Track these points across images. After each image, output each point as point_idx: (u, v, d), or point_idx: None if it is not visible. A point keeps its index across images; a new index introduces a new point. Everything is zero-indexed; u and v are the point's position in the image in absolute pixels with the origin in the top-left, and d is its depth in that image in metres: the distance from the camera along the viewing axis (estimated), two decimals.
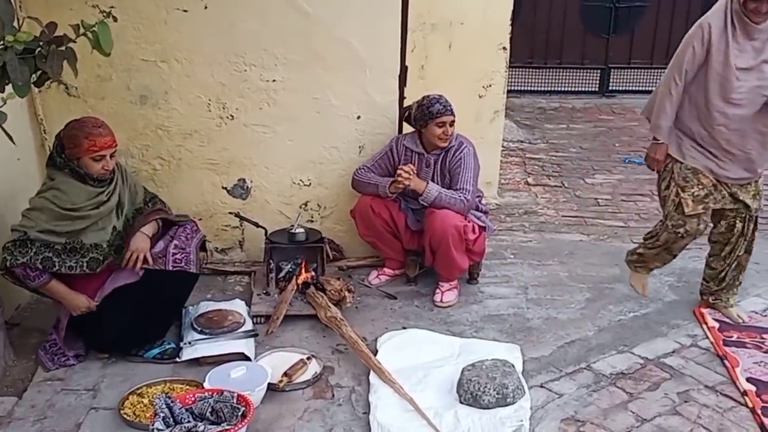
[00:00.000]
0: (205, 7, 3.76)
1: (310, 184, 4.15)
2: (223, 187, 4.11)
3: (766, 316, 3.73)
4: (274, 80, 3.92)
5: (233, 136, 4.01)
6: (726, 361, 3.29)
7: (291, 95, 3.96)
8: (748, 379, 3.14)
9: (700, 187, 3.46)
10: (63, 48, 2.58)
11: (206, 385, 2.94)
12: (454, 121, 3.79)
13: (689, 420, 2.90)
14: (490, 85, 5.16)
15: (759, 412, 2.92)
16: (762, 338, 3.49)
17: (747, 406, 2.98)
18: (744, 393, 3.05)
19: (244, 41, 3.84)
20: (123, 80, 3.86)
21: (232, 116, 3.97)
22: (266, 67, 3.89)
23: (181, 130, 3.98)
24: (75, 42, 2.62)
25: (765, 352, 3.37)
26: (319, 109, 4.00)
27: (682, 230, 3.58)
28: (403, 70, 4.06)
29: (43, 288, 3.09)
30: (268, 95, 3.95)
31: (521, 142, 7.04)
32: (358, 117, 4.05)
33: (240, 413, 2.68)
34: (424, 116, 3.77)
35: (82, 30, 2.60)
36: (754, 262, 4.30)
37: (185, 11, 3.76)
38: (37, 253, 2.97)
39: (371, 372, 3.17)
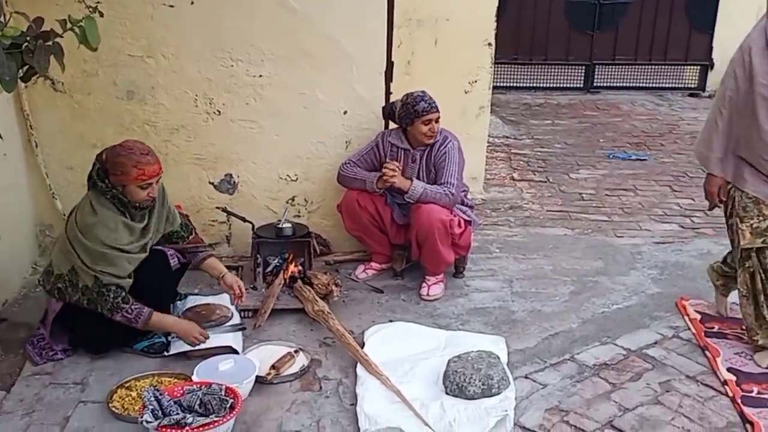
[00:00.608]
0: (192, 3, 3.78)
1: (296, 179, 4.18)
2: (210, 182, 4.13)
3: None
4: (260, 76, 3.94)
5: (220, 132, 4.02)
6: (707, 352, 3.35)
7: (278, 91, 3.98)
8: (729, 369, 3.20)
9: (761, 218, 3.12)
10: (50, 43, 2.58)
11: (194, 378, 2.96)
12: (439, 118, 3.82)
13: (670, 409, 2.95)
14: (475, 81, 5.21)
15: (739, 401, 2.98)
16: (743, 329, 3.54)
17: (727, 395, 3.04)
18: (724, 382, 3.11)
19: (230, 37, 3.86)
20: (109, 75, 3.87)
21: (219, 111, 3.99)
22: (253, 62, 3.91)
23: (167, 126, 3.99)
24: (62, 37, 2.62)
25: (745, 343, 3.43)
26: (306, 104, 4.03)
27: (748, 263, 3.21)
28: (389, 66, 4.10)
29: (149, 324, 3.14)
30: (255, 91, 3.97)
31: (507, 137, 7.09)
32: (345, 112, 4.08)
33: (228, 405, 2.71)
34: (410, 114, 3.80)
35: (69, 25, 2.60)
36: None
37: (172, 6, 3.78)
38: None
39: (358, 364, 3.20)
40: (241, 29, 3.84)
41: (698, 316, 3.66)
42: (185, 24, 3.81)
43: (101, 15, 2.90)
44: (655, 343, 3.46)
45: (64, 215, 4.03)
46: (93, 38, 2.65)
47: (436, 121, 3.82)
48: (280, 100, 4.00)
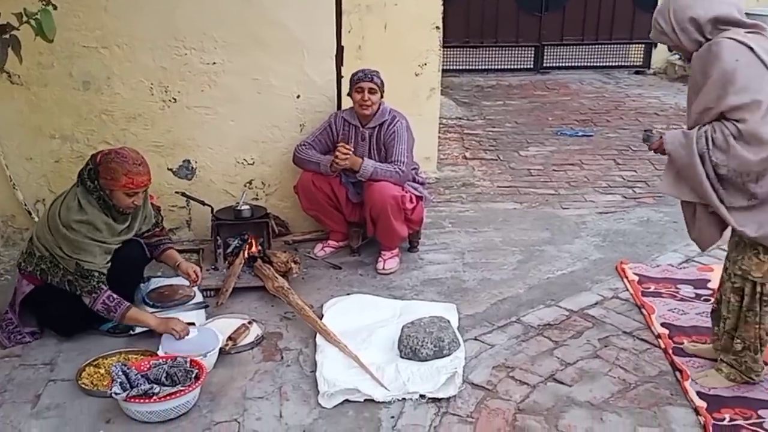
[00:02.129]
0: None
1: (253, 162, 4.31)
2: (168, 169, 4.24)
3: (681, 268, 4.06)
4: (214, 63, 4.06)
5: (176, 119, 4.14)
6: (643, 310, 3.60)
7: (231, 77, 4.10)
8: (662, 324, 3.44)
9: None
10: (7, 36, 2.68)
11: (160, 349, 3.11)
12: (374, 90, 3.97)
13: (608, 362, 3.19)
14: (425, 64, 5.37)
15: (670, 351, 3.22)
16: (677, 288, 3.80)
17: (660, 347, 3.29)
18: (658, 336, 3.36)
19: (183, 26, 3.97)
20: (65, 67, 3.96)
21: (174, 99, 4.10)
22: (206, 50, 4.03)
23: (124, 114, 4.09)
24: (18, 29, 2.73)
25: (679, 300, 3.68)
26: (260, 89, 4.16)
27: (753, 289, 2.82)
28: (340, 50, 4.25)
29: (126, 316, 3.20)
30: (209, 78, 4.09)
31: (459, 119, 7.29)
32: (298, 96, 4.22)
33: (193, 375, 2.86)
34: (349, 85, 4.00)
35: (25, 18, 2.70)
36: (673, 221, 4.67)
37: None
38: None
39: (317, 334, 3.38)
40: (193, 18, 3.95)
41: (636, 278, 3.90)
42: (138, 14, 3.91)
43: (54, 7, 2.99)
44: (596, 303, 3.69)
45: (25, 205, 4.13)
46: (49, 30, 2.75)
47: (370, 92, 3.96)
48: (234, 86, 4.13)
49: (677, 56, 8.91)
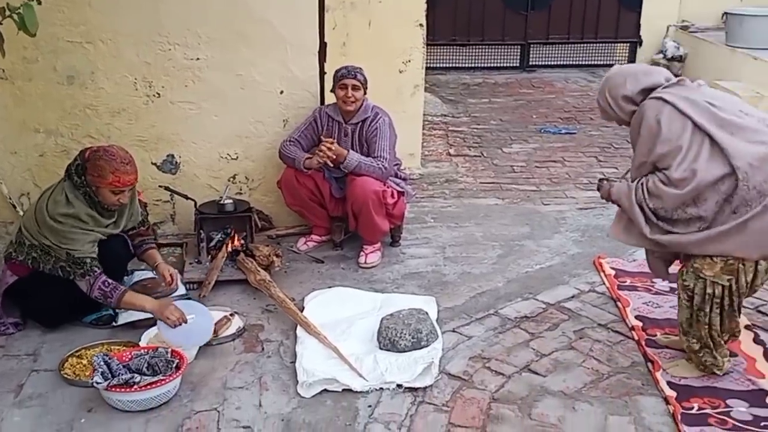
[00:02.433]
0: None
1: (237, 157, 4.36)
2: (152, 163, 4.28)
3: None
4: (198, 59, 4.10)
5: (160, 114, 4.18)
6: (618, 303, 3.67)
7: (215, 73, 4.15)
8: (637, 317, 3.52)
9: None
10: None
11: (142, 340, 3.16)
12: (358, 87, 4.02)
13: (582, 353, 3.26)
14: (409, 61, 5.43)
15: (643, 343, 3.30)
16: (652, 282, 3.87)
17: (633, 339, 3.36)
18: (632, 328, 3.43)
19: (167, 21, 4.01)
20: (49, 61, 3.99)
21: (158, 94, 4.14)
22: (190, 46, 4.07)
23: (109, 109, 4.13)
24: (1, 24, 2.76)
25: (654, 294, 3.76)
26: (243, 85, 4.20)
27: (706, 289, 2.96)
28: (323, 46, 4.30)
29: (122, 300, 3.23)
30: (193, 73, 4.13)
31: (444, 116, 7.35)
32: (281, 92, 4.27)
33: (174, 365, 2.91)
34: (333, 82, 4.05)
35: (7, 12, 2.74)
36: None
37: None
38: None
39: (298, 326, 3.43)
40: (177, 14, 3.99)
41: (613, 272, 3.98)
42: (123, 9, 3.95)
43: (39, 3, 3.03)
44: (573, 296, 3.76)
45: (10, 199, 4.16)
46: (31, 24, 2.79)
47: (354, 89, 4.01)
48: (218, 81, 4.17)
49: (661, 55, 9.02)
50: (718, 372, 3.02)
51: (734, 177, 2.69)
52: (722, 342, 2.99)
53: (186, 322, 3.20)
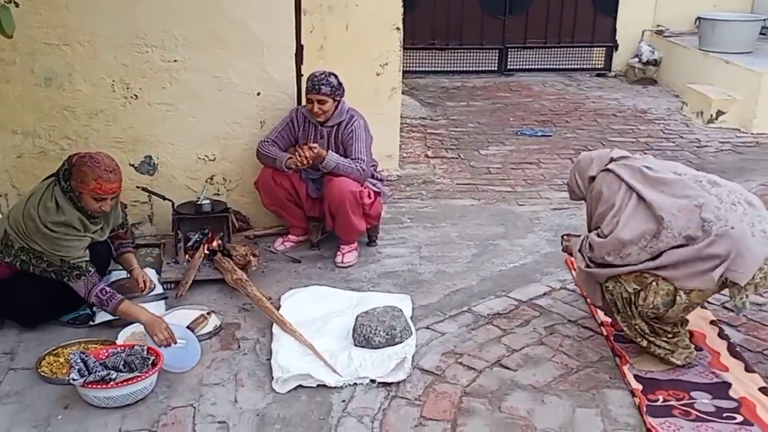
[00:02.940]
0: None
1: (214, 158, 4.40)
2: (130, 164, 4.30)
3: None
4: (175, 60, 4.14)
5: (138, 115, 4.21)
6: (588, 300, 3.74)
7: (192, 74, 4.19)
8: (606, 314, 3.59)
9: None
10: None
11: (119, 338, 3.19)
12: (323, 100, 4.02)
13: (552, 348, 3.33)
14: (386, 64, 5.49)
15: (611, 338, 3.38)
16: None
17: (602, 334, 3.44)
18: (601, 324, 3.51)
19: (144, 23, 4.05)
20: (27, 63, 4.01)
21: (136, 96, 4.17)
22: (167, 48, 4.11)
23: (86, 111, 4.16)
24: None
25: None
26: (220, 87, 4.25)
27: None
28: (299, 48, 4.35)
29: (118, 310, 3.25)
30: (170, 75, 4.17)
31: (423, 119, 7.42)
32: (258, 94, 4.32)
33: (150, 362, 2.95)
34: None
35: None
36: None
37: None
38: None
39: (274, 324, 3.48)
40: (154, 16, 4.03)
41: None
42: (99, 12, 3.99)
43: (17, 5, 3.08)
44: (544, 294, 3.84)
45: None
46: (8, 26, 2.83)
47: (319, 103, 4.03)
48: (196, 83, 4.21)
49: (637, 59, 9.16)
50: (675, 361, 3.12)
51: (659, 226, 2.92)
52: (667, 331, 3.10)
53: (173, 343, 3.17)
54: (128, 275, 3.76)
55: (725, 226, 2.87)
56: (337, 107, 4.14)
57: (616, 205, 3.06)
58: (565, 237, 3.61)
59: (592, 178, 3.28)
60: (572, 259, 4.11)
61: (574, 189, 3.43)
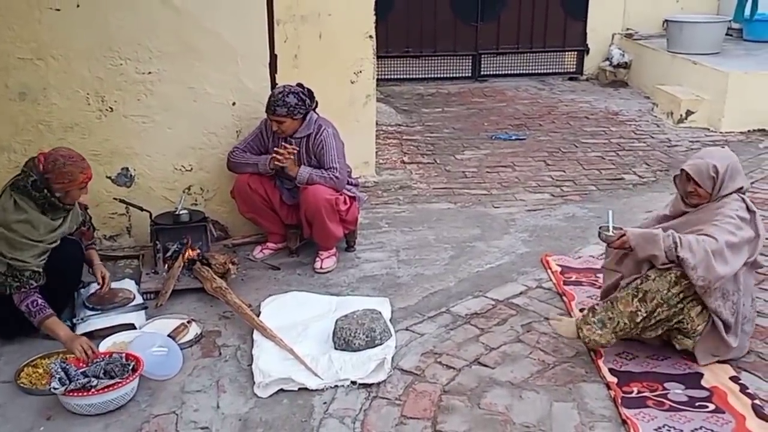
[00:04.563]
0: (78, 6, 3.98)
1: (191, 169, 4.42)
2: (107, 177, 4.32)
3: (601, 259, 4.26)
4: (149, 72, 4.17)
5: (113, 128, 4.23)
6: (564, 297, 3.82)
7: (167, 86, 4.22)
8: (581, 310, 3.65)
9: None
10: None
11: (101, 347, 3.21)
12: (282, 121, 4.05)
13: (529, 345, 3.40)
14: (360, 71, 5.55)
15: None
16: (596, 276, 4.03)
17: None
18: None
19: (117, 36, 4.08)
20: (1, 78, 4.03)
21: (111, 108, 4.19)
22: (141, 60, 4.14)
23: (61, 124, 4.17)
24: None
25: (598, 288, 3.90)
26: (196, 97, 4.28)
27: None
28: (273, 58, 4.40)
29: (44, 324, 3.24)
30: (145, 87, 4.20)
31: (399, 125, 7.48)
32: (234, 104, 4.36)
33: (130, 368, 2.97)
34: None
35: None
36: (596, 216, 4.93)
37: (58, 10, 3.97)
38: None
39: (255, 330, 3.50)
40: (127, 29, 4.06)
41: (559, 269, 4.13)
42: (72, 26, 4.01)
43: None
44: (521, 293, 3.91)
45: None
46: None
47: (278, 123, 4.07)
48: (171, 94, 4.24)
49: (608, 62, 9.31)
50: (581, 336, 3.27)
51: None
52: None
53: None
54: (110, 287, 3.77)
55: None
56: (304, 120, 4.16)
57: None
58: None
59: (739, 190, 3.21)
60: (549, 259, 4.20)
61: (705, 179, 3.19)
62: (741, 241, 3.08)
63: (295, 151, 4.10)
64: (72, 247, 3.50)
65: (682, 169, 3.29)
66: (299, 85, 4.18)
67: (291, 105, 4.05)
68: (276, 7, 4.48)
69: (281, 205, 4.32)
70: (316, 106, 4.24)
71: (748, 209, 3.19)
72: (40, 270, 3.28)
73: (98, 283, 3.67)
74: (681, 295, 3.09)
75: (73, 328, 3.49)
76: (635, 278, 3.19)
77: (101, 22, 4.03)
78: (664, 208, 3.49)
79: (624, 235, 3.16)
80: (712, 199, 3.21)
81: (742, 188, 3.23)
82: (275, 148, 4.13)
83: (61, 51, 4.05)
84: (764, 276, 4.02)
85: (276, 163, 4.10)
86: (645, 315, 3.12)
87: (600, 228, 3.31)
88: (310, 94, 4.19)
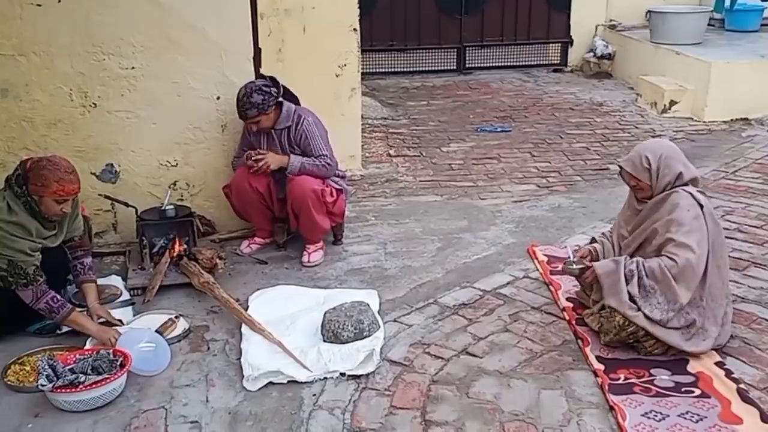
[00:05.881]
0: (59, 1, 3.94)
1: (177, 164, 4.40)
2: (92, 173, 4.29)
3: None
4: (133, 67, 4.15)
5: (97, 123, 4.20)
6: (551, 287, 3.84)
7: (151, 81, 4.19)
8: (568, 299, 3.69)
9: None
10: None
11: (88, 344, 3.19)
12: (255, 120, 4.05)
13: (517, 334, 3.41)
14: (345, 65, 5.54)
15: (573, 322, 3.47)
16: None
17: (565, 319, 3.53)
18: (563, 309, 3.61)
19: (100, 32, 4.05)
20: None
21: (94, 104, 4.17)
22: (124, 55, 4.11)
23: (45, 121, 4.14)
24: None
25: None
26: (180, 92, 4.26)
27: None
28: (257, 52, 4.38)
29: (69, 318, 3.24)
30: (128, 82, 4.17)
31: (385, 119, 7.49)
32: (218, 98, 4.34)
33: (118, 364, 2.96)
34: None
35: None
36: (581, 206, 4.96)
37: (39, 5, 3.93)
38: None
39: (243, 324, 3.50)
40: (109, 24, 4.03)
41: (545, 259, 4.15)
42: (54, 21, 3.97)
43: None
44: (508, 283, 3.93)
45: None
46: None
47: (256, 123, 4.08)
48: (155, 89, 4.22)
49: (592, 53, 9.34)
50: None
51: None
52: None
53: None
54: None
55: None
56: (279, 113, 4.15)
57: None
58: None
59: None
60: (536, 249, 4.23)
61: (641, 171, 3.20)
62: (702, 253, 3.09)
63: (263, 155, 4.08)
64: (54, 250, 3.43)
65: (619, 165, 3.32)
66: (259, 76, 4.15)
67: (258, 103, 4.02)
68: (259, 1, 4.47)
69: (277, 199, 4.30)
70: (285, 93, 4.19)
71: (698, 203, 3.14)
72: (38, 264, 3.25)
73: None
74: (631, 338, 3.20)
75: (59, 325, 3.48)
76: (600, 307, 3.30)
77: (83, 17, 4.00)
78: (624, 206, 3.51)
79: (590, 268, 3.28)
80: (656, 191, 3.21)
81: (682, 175, 3.17)
82: (247, 162, 4.12)
83: (43, 47, 4.01)
84: (747, 263, 4.07)
85: (255, 170, 4.09)
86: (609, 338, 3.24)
87: (565, 262, 3.42)
88: (274, 82, 4.13)
